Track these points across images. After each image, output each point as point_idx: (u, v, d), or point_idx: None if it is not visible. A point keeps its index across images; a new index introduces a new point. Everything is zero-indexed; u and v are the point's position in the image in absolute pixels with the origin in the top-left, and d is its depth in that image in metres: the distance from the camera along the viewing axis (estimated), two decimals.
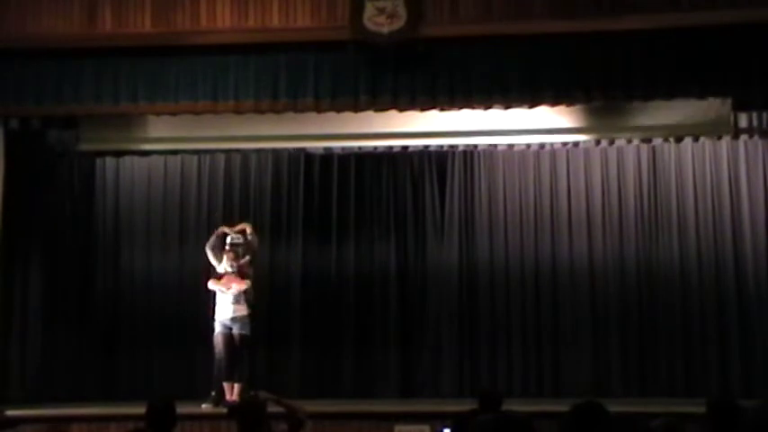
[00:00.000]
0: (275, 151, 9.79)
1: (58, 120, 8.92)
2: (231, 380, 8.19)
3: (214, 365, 8.29)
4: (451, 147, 9.57)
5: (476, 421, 2.94)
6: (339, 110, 8.09)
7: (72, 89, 8.03)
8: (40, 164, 9.39)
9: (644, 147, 9.49)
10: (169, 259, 9.79)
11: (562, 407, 3.70)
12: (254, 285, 8.58)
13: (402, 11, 7.62)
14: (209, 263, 8.60)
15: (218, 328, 8.32)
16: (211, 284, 8.46)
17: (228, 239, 8.67)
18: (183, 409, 5.07)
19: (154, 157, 9.82)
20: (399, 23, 7.63)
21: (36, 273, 9.22)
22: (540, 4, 7.65)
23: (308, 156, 9.85)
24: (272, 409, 5.09)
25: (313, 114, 8.20)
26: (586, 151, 9.67)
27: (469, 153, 9.77)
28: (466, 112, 8.35)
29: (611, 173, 9.66)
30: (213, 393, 8.21)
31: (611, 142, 9.39)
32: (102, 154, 9.74)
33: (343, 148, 9.64)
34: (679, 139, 9.22)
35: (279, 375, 9.29)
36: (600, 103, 8.17)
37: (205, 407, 8.07)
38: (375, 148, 9.57)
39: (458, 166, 9.84)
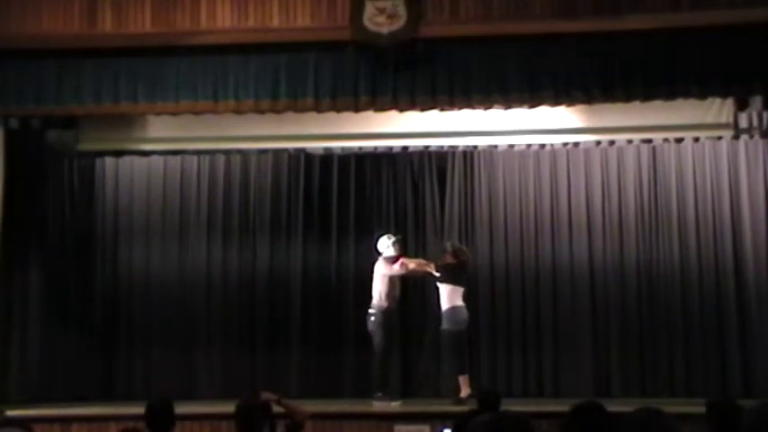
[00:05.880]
0: (275, 151, 9.79)
1: (58, 120, 8.94)
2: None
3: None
4: (451, 147, 9.59)
5: (474, 421, 2.94)
6: (339, 110, 8.09)
7: (72, 89, 8.03)
8: (40, 164, 9.41)
9: (644, 147, 9.49)
10: (169, 259, 9.79)
11: (562, 407, 3.70)
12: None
13: (402, 11, 7.62)
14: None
15: None
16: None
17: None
18: (182, 409, 5.06)
19: (154, 157, 9.82)
20: (399, 23, 7.62)
21: (36, 273, 9.23)
22: (540, 4, 7.63)
23: (308, 156, 9.85)
24: (273, 409, 5.09)
25: (313, 114, 8.20)
26: (586, 151, 9.67)
27: (469, 153, 9.77)
28: (466, 112, 8.36)
29: (611, 173, 9.65)
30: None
31: (612, 142, 9.42)
32: (102, 154, 9.76)
33: (343, 149, 9.67)
34: (679, 140, 9.24)
35: (279, 375, 9.29)
36: (600, 103, 8.17)
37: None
38: (375, 148, 9.60)
39: (458, 166, 9.82)
